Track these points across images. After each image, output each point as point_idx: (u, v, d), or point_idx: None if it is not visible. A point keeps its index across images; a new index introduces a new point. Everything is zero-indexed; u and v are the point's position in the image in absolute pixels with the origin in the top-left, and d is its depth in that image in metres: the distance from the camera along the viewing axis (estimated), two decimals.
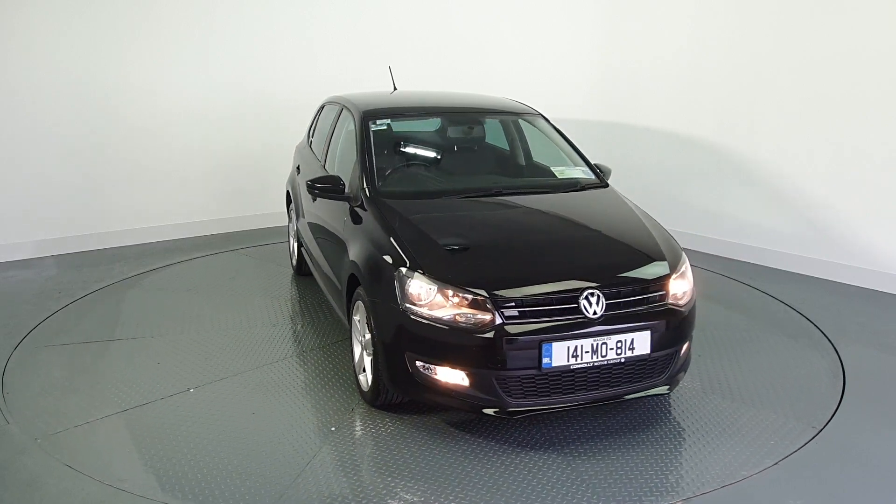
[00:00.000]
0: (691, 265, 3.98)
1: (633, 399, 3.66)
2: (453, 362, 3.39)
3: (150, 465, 3.35)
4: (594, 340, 3.35)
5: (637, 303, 3.50)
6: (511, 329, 3.31)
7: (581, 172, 4.66)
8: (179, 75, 6.97)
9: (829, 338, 4.84)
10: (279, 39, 7.37)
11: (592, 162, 4.79)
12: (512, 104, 5.23)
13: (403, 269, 3.50)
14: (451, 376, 3.40)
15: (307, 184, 4.37)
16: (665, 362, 3.59)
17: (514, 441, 3.57)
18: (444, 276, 3.43)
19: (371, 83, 6.56)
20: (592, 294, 3.40)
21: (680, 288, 3.67)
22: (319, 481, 3.24)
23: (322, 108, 5.82)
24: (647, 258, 3.72)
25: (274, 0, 7.29)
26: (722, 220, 6.76)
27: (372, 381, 3.76)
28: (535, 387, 3.37)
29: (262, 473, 3.29)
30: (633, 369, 3.49)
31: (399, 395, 3.69)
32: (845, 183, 5.91)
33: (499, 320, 3.31)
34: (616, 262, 3.71)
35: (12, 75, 6.20)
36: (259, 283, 5.83)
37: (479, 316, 3.33)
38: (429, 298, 3.40)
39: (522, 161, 5.01)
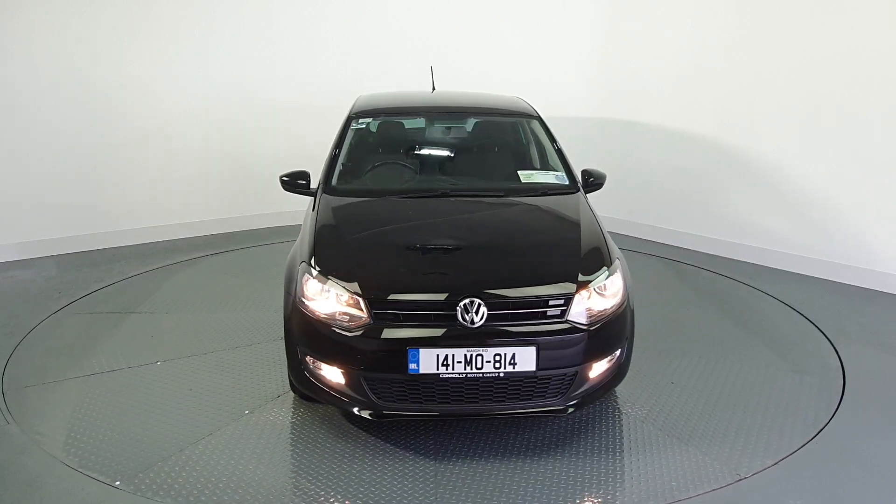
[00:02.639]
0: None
1: (529, 415, 3.47)
2: (332, 360, 3.38)
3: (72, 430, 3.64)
4: (468, 351, 3.20)
5: (523, 317, 3.30)
6: (378, 330, 3.26)
7: (554, 177, 4.46)
8: (180, 75, 6.97)
9: (829, 338, 4.84)
10: (279, 39, 7.36)
11: (587, 166, 4.70)
12: (512, 105, 5.16)
13: (303, 263, 3.58)
14: (331, 374, 3.39)
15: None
16: (560, 383, 3.35)
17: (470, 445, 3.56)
18: (330, 272, 3.45)
19: (371, 83, 6.56)
20: (473, 303, 3.24)
21: (588, 306, 3.38)
22: (197, 458, 3.39)
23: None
24: (554, 273, 3.49)
25: (274, 0, 7.29)
26: (722, 220, 6.76)
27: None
28: (404, 392, 3.30)
29: (151, 440, 3.54)
30: (520, 386, 3.30)
31: (297, 388, 3.72)
32: (845, 183, 5.92)
33: (371, 321, 3.28)
34: (515, 273, 3.51)
35: (12, 75, 6.20)
36: (262, 279, 5.82)
37: (354, 314, 3.31)
38: (314, 293, 3.43)
39: (496, 164, 4.82)
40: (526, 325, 3.29)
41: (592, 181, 4.54)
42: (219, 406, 3.88)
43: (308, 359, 3.46)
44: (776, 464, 3.37)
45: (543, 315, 3.32)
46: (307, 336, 3.45)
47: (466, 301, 3.24)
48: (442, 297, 3.29)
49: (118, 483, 3.22)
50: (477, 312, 3.24)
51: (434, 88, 5.71)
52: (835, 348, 4.68)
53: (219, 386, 4.12)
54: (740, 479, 3.25)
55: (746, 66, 6.40)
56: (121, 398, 3.97)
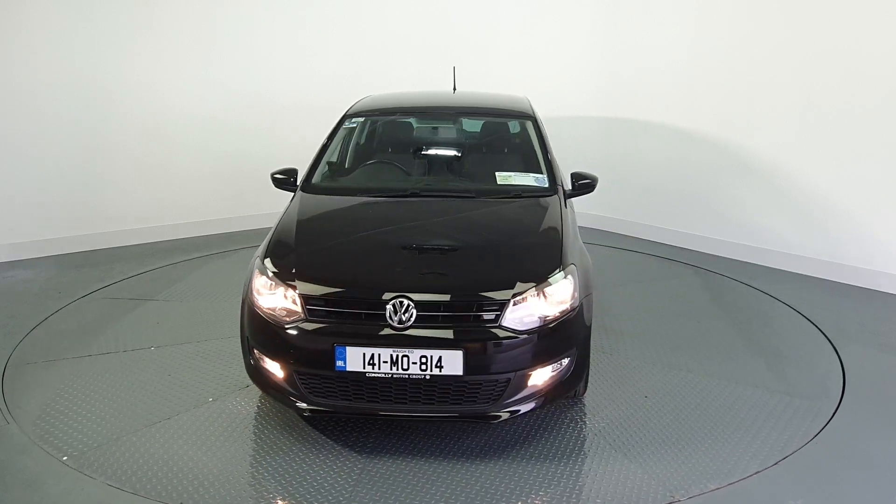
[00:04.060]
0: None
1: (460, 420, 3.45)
2: (272, 354, 3.43)
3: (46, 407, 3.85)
4: (394, 351, 3.20)
5: (453, 320, 3.28)
6: (309, 326, 3.31)
7: (533, 180, 4.39)
8: (180, 76, 6.96)
9: (829, 338, 4.84)
10: (280, 40, 7.36)
11: (586, 167, 4.68)
12: (511, 106, 5.14)
13: (257, 259, 3.68)
14: (273, 368, 3.44)
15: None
16: (492, 389, 3.29)
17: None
18: (275, 269, 3.52)
19: (371, 83, 6.56)
20: (402, 304, 3.24)
21: (528, 312, 3.31)
22: (146, 440, 3.53)
23: None
24: (491, 277, 3.46)
25: (275, 0, 7.29)
26: (722, 220, 6.76)
27: None
28: (333, 389, 3.32)
29: (111, 420, 3.71)
30: (449, 390, 3.27)
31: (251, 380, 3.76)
32: (846, 183, 5.92)
33: (303, 316, 3.33)
34: (451, 276, 3.50)
35: (13, 75, 6.20)
36: None
37: (291, 310, 3.37)
38: (261, 288, 3.50)
39: (478, 165, 4.78)
40: (455, 328, 3.26)
41: (580, 185, 4.43)
42: (187, 392, 4.02)
43: (256, 352, 3.51)
44: (776, 464, 3.37)
45: (474, 319, 3.29)
46: (254, 330, 3.51)
47: (396, 301, 3.25)
48: (372, 296, 3.31)
49: (65, 458, 3.37)
50: (406, 313, 3.24)
51: (455, 89, 5.76)
52: (835, 348, 4.68)
53: (197, 373, 4.25)
54: (740, 479, 3.24)
55: (747, 66, 6.40)
56: (102, 380, 4.16)
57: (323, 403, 3.36)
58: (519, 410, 3.36)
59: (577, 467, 3.36)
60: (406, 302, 3.25)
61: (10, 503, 3.09)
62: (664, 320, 5.10)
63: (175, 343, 4.65)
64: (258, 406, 3.88)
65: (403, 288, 3.31)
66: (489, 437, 3.59)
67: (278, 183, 4.45)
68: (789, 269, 6.24)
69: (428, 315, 3.26)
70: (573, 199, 4.44)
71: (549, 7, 7.80)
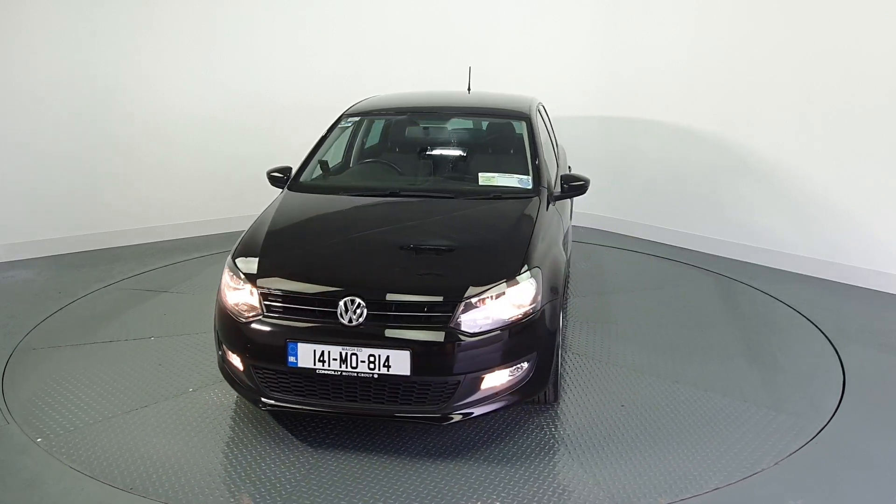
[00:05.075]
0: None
1: (407, 420, 3.42)
2: (233, 349, 3.51)
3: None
4: (343, 349, 3.24)
5: (404, 320, 3.29)
6: (265, 322, 3.38)
7: (517, 181, 4.33)
8: (181, 76, 6.96)
9: (829, 338, 4.84)
10: (281, 40, 7.36)
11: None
12: (509, 106, 5.12)
13: (229, 255, 3.77)
14: (235, 362, 3.52)
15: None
16: (442, 390, 3.28)
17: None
18: (239, 264, 3.60)
19: (371, 83, 6.56)
20: (353, 302, 3.27)
21: (482, 315, 3.29)
22: (118, 427, 3.63)
23: None
24: (445, 279, 3.47)
25: (274, 0, 7.29)
26: (722, 220, 6.76)
27: None
28: (288, 384, 3.39)
29: (91, 405, 3.83)
30: (398, 389, 3.28)
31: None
32: (846, 183, 5.92)
33: (261, 312, 3.39)
34: (406, 276, 3.51)
35: (13, 75, 6.20)
36: None
37: (251, 305, 3.44)
38: (227, 283, 3.59)
39: (465, 165, 4.75)
40: (404, 328, 3.27)
41: (569, 187, 4.38)
42: (171, 381, 4.13)
43: (224, 347, 3.59)
44: (776, 464, 3.37)
45: (424, 320, 3.29)
46: (221, 325, 3.61)
47: (347, 300, 3.28)
48: (325, 294, 3.36)
49: (39, 440, 3.51)
50: (356, 312, 3.27)
51: (469, 90, 5.78)
52: (835, 348, 4.68)
53: (186, 363, 4.35)
54: (740, 479, 3.24)
55: (747, 66, 6.40)
56: (97, 366, 4.30)
57: (277, 398, 3.41)
58: (472, 413, 3.34)
59: (527, 473, 3.29)
60: (357, 301, 3.28)
61: (10, 503, 3.09)
62: (661, 323, 5.09)
63: (174, 334, 4.77)
64: (235, 398, 3.92)
65: (356, 287, 3.34)
66: (448, 438, 3.56)
67: (274, 181, 4.53)
68: (789, 269, 6.24)
69: (379, 314, 3.29)
70: (570, 203, 4.39)
71: (549, 7, 7.80)
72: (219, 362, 3.70)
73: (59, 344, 4.61)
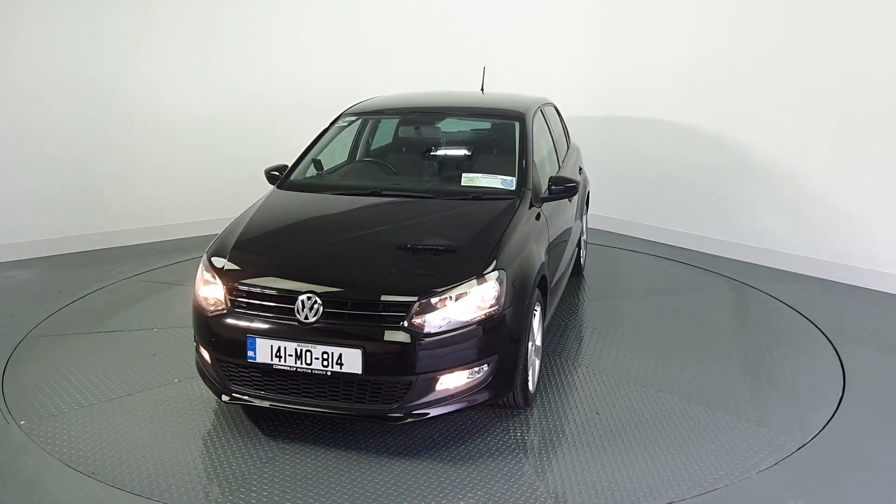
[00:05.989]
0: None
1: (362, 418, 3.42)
2: (202, 342, 3.61)
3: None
4: (298, 345, 3.28)
5: (358, 319, 3.30)
6: (229, 317, 3.45)
7: (500, 182, 4.25)
8: (180, 75, 6.96)
9: (829, 338, 4.84)
10: (281, 40, 7.37)
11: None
12: (508, 106, 5.07)
13: (206, 251, 3.84)
14: (204, 355, 3.61)
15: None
16: (394, 389, 3.28)
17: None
18: (212, 260, 3.70)
19: (371, 83, 6.56)
20: (310, 300, 3.31)
21: (440, 315, 3.27)
22: (98, 414, 3.73)
23: None
24: (402, 278, 3.46)
25: (275, 0, 7.29)
26: (722, 220, 6.76)
27: None
28: (249, 378, 3.44)
29: (77, 391, 3.95)
30: (351, 387, 3.29)
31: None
32: (846, 183, 5.92)
33: (226, 307, 3.48)
34: (364, 275, 3.50)
35: (13, 75, 6.20)
36: None
37: (218, 300, 3.53)
38: (200, 279, 3.68)
39: (453, 165, 4.72)
40: (356, 327, 3.29)
41: (556, 189, 4.30)
42: (159, 371, 4.23)
43: (196, 340, 3.70)
44: (776, 464, 3.37)
45: (378, 319, 3.29)
46: (193, 319, 3.69)
47: (304, 297, 3.33)
48: (284, 291, 3.41)
49: (23, 422, 3.64)
50: (311, 309, 3.31)
51: (483, 90, 5.79)
52: (835, 348, 4.68)
53: (178, 354, 4.43)
54: (740, 479, 3.24)
55: (747, 66, 6.41)
56: (95, 355, 4.43)
57: (238, 391, 3.48)
58: (427, 413, 3.34)
59: (478, 477, 3.24)
60: (314, 298, 3.32)
61: (10, 503, 3.09)
62: (658, 325, 5.07)
63: (177, 326, 4.86)
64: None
65: (313, 284, 3.39)
66: (409, 438, 3.55)
67: (272, 179, 4.59)
68: (789, 269, 6.24)
69: (335, 312, 3.32)
70: (575, 205, 4.30)
71: (549, 7, 7.81)
72: (195, 357, 3.79)
73: (68, 332, 4.79)
